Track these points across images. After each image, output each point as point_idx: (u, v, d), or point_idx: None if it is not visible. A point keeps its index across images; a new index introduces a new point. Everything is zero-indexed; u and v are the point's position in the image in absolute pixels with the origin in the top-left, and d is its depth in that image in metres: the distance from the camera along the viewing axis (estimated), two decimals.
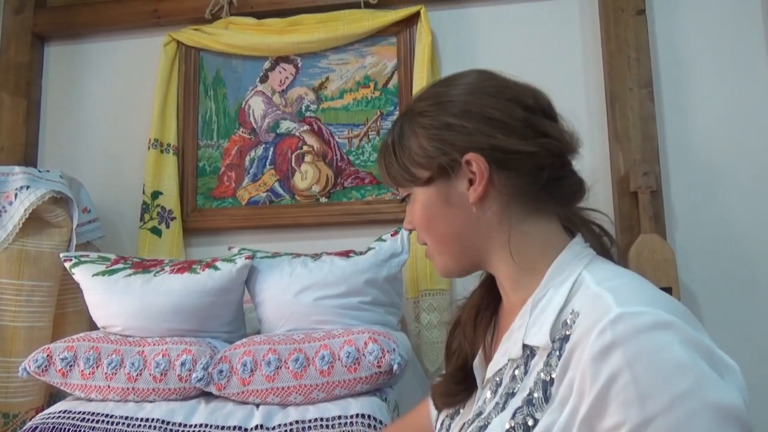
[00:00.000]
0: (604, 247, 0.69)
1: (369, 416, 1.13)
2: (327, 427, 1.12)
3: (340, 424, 1.12)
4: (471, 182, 0.66)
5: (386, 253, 1.40)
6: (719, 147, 1.66)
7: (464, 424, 0.68)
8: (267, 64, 1.87)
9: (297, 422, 1.14)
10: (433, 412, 0.82)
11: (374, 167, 1.78)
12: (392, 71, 1.81)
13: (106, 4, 1.96)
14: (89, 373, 1.26)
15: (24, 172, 1.49)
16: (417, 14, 1.77)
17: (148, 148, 1.82)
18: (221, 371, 1.23)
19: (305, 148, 1.82)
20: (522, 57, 1.78)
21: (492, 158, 0.65)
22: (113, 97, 1.97)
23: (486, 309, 0.76)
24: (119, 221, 1.88)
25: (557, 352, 0.58)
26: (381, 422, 1.13)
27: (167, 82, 1.86)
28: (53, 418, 1.21)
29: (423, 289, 1.63)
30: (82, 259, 1.42)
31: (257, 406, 1.22)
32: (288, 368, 1.20)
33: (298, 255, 1.47)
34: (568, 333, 0.57)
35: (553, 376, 0.57)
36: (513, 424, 0.58)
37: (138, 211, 1.81)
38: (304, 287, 1.35)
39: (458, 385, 0.73)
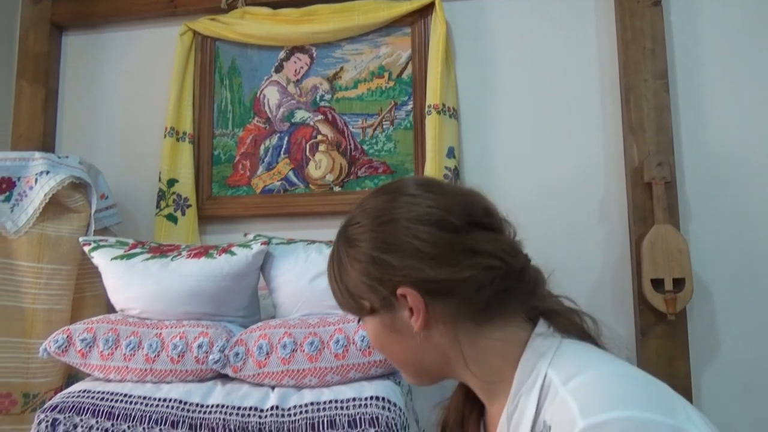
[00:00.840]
0: (568, 324, 0.66)
1: (383, 398, 1.14)
2: (342, 408, 1.13)
3: (354, 405, 1.13)
4: (411, 312, 0.64)
5: None
6: (734, 138, 1.66)
7: None
8: (282, 54, 1.88)
9: (312, 404, 1.16)
10: None
11: (388, 156, 1.79)
12: (406, 61, 1.81)
13: None
14: (108, 354, 1.28)
15: (44, 158, 1.51)
16: (432, 4, 1.78)
17: (165, 136, 1.84)
18: (237, 354, 1.25)
19: (319, 137, 1.83)
20: (536, 48, 1.78)
21: (425, 290, 0.63)
22: (130, 86, 1.99)
23: (470, 413, 0.75)
24: (135, 208, 1.90)
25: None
26: (395, 405, 1.14)
27: (183, 71, 1.88)
28: (73, 397, 1.23)
29: None
30: (101, 243, 1.45)
31: (272, 388, 1.24)
32: (303, 351, 1.22)
33: (313, 242, 1.48)
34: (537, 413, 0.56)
35: None
36: None
37: (154, 198, 1.84)
38: (319, 273, 1.36)
39: None
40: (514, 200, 1.71)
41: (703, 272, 1.61)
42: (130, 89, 1.99)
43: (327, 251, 1.42)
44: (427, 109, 1.72)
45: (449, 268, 0.62)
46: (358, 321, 0.74)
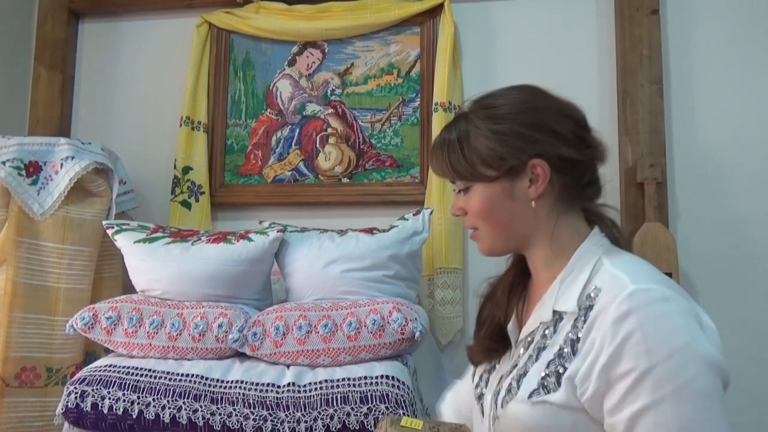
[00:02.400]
0: (614, 237, 0.85)
1: (393, 377, 1.23)
2: (354, 385, 1.23)
3: (366, 383, 1.23)
4: (531, 182, 0.81)
5: (408, 231, 1.50)
6: (723, 142, 1.76)
7: (501, 376, 0.85)
8: (295, 49, 1.95)
9: (326, 381, 1.25)
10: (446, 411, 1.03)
11: (395, 150, 1.87)
12: (415, 60, 1.89)
13: None
14: (132, 332, 1.37)
15: (69, 144, 1.58)
16: (441, 6, 1.85)
17: (180, 125, 1.91)
18: (255, 334, 1.34)
19: (329, 130, 1.91)
20: (540, 51, 1.87)
21: (553, 164, 0.80)
22: (145, 75, 2.05)
23: (518, 285, 0.92)
24: (150, 193, 1.98)
25: (582, 318, 0.75)
26: (403, 383, 1.24)
27: (199, 62, 1.94)
28: (100, 371, 1.32)
29: (438, 267, 1.73)
30: (124, 227, 1.52)
31: (288, 366, 1.32)
32: (318, 333, 1.31)
33: (326, 230, 1.57)
34: (591, 303, 0.75)
35: (579, 335, 0.74)
36: (547, 372, 0.76)
37: (168, 185, 1.91)
38: (331, 260, 1.45)
39: (496, 343, 0.90)
40: None
41: (689, 268, 1.71)
42: (146, 78, 2.05)
43: (339, 239, 1.50)
44: (434, 106, 1.81)
45: (575, 150, 0.80)
46: (459, 191, 0.87)
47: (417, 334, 1.29)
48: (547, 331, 0.79)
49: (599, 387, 0.69)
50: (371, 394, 1.21)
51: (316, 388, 1.24)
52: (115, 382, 1.29)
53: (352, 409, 1.21)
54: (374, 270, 1.43)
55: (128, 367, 1.32)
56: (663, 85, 1.75)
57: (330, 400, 1.21)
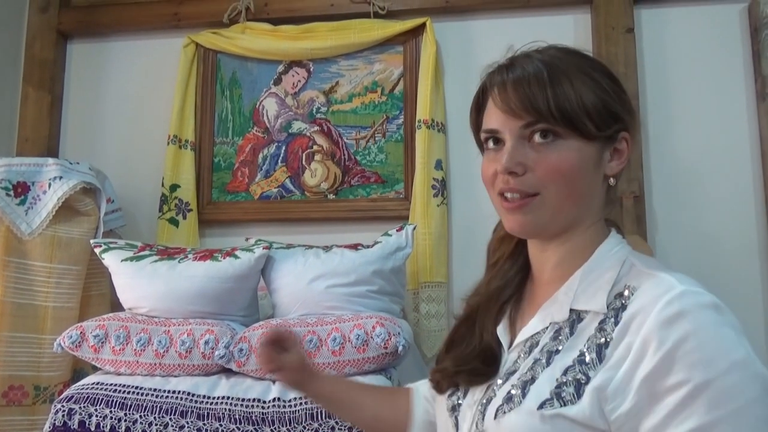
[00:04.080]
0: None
1: None
2: None
3: None
4: (612, 156, 0.71)
5: (392, 246, 1.53)
6: (698, 157, 1.81)
7: (489, 384, 0.73)
8: (281, 68, 1.99)
9: None
10: (419, 398, 0.93)
11: (380, 167, 1.90)
12: (398, 78, 1.94)
13: (128, 5, 2.08)
14: (120, 349, 1.38)
15: (57, 164, 1.60)
16: (423, 25, 1.90)
17: (168, 143, 1.93)
18: (241, 350, 1.36)
19: (315, 147, 1.95)
20: None
21: (631, 143, 0.72)
22: (133, 94, 2.08)
23: (516, 285, 0.82)
24: (137, 211, 2.00)
25: (612, 319, 0.64)
26: None
27: (186, 81, 1.98)
28: (87, 389, 1.33)
29: (423, 282, 1.76)
30: (111, 245, 1.54)
31: (273, 381, 1.34)
32: (303, 348, 1.33)
33: (311, 247, 1.60)
34: (624, 304, 0.64)
35: (609, 339, 0.63)
36: (564, 380, 0.64)
37: (156, 203, 1.93)
38: (316, 276, 1.47)
39: (487, 366, 0.75)
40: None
41: None
42: (134, 97, 2.08)
43: (324, 255, 1.53)
44: (417, 123, 1.85)
45: (636, 134, 0.73)
46: (546, 136, 0.69)
47: (400, 348, 1.31)
48: (560, 333, 0.68)
49: (639, 401, 0.58)
50: None
51: (301, 403, 1.26)
52: (102, 399, 1.30)
53: (336, 423, 1.23)
54: (359, 285, 1.46)
55: (115, 385, 1.34)
56: (639, 100, 1.80)
57: (315, 414, 1.23)
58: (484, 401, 0.70)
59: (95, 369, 1.45)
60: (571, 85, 0.68)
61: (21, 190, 1.57)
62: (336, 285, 1.46)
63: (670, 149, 1.82)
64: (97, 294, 1.72)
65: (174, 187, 1.92)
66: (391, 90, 1.94)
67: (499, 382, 0.70)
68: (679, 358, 0.57)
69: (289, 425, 1.23)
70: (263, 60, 1.99)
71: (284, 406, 1.26)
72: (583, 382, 0.62)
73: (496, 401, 0.68)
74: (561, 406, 0.62)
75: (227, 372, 1.40)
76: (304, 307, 1.48)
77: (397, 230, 1.58)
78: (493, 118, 0.73)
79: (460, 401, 0.76)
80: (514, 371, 0.70)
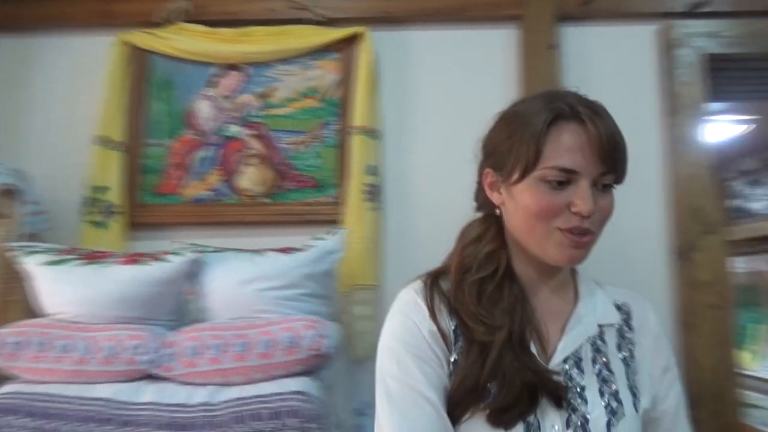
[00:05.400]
0: None
1: (304, 393, 1.28)
2: (265, 402, 1.26)
3: (277, 399, 1.27)
4: None
5: (324, 250, 1.55)
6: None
7: (569, 405, 0.81)
8: (216, 71, 1.98)
9: (237, 399, 1.28)
10: None
11: (315, 171, 1.92)
12: (335, 84, 1.96)
13: (57, 1, 2.01)
14: (40, 357, 1.34)
15: None
16: (360, 34, 1.94)
17: (95, 144, 1.88)
18: (169, 354, 1.35)
19: (250, 151, 1.95)
20: (452, 79, 1.99)
21: None
22: (60, 93, 2.01)
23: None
24: (63, 214, 1.92)
25: (626, 327, 0.91)
26: (315, 398, 1.28)
27: (116, 81, 1.93)
28: (6, 398, 1.28)
29: (354, 285, 1.79)
30: (32, 249, 1.49)
31: (201, 385, 1.34)
32: (231, 351, 1.33)
33: (243, 250, 1.60)
34: (627, 315, 0.92)
35: (633, 344, 0.89)
36: (629, 383, 0.86)
37: (82, 205, 1.87)
38: (248, 279, 1.48)
39: (548, 388, 0.81)
40: (430, 215, 1.90)
41: None
42: (61, 96, 2.01)
43: (256, 259, 1.53)
44: (351, 129, 1.88)
45: None
46: (602, 187, 0.86)
47: (329, 350, 1.34)
48: (598, 345, 0.87)
49: (657, 383, 0.87)
50: (282, 410, 1.25)
51: (227, 407, 1.27)
52: (22, 409, 1.26)
53: (266, 425, 1.24)
54: (290, 288, 1.47)
55: (35, 393, 1.30)
56: None
57: (241, 417, 1.24)
58: (578, 422, 0.80)
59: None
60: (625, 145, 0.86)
61: None
62: (267, 288, 1.47)
63: None
64: (15, 299, 1.65)
65: (101, 189, 1.87)
66: (327, 96, 1.96)
67: (579, 399, 0.81)
68: (667, 349, 0.90)
69: (216, 430, 1.23)
70: (198, 62, 1.97)
71: (210, 411, 1.26)
72: (634, 382, 0.85)
73: (598, 415, 0.80)
74: (638, 404, 0.85)
75: (153, 378, 1.38)
76: (235, 311, 1.48)
77: (329, 234, 1.61)
78: (576, 157, 0.81)
79: (541, 423, 0.80)
80: (583, 386, 0.83)
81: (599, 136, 0.81)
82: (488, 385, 0.79)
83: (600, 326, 0.88)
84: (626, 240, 1.87)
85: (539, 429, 0.79)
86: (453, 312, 0.86)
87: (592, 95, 1.93)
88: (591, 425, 0.79)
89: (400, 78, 2.00)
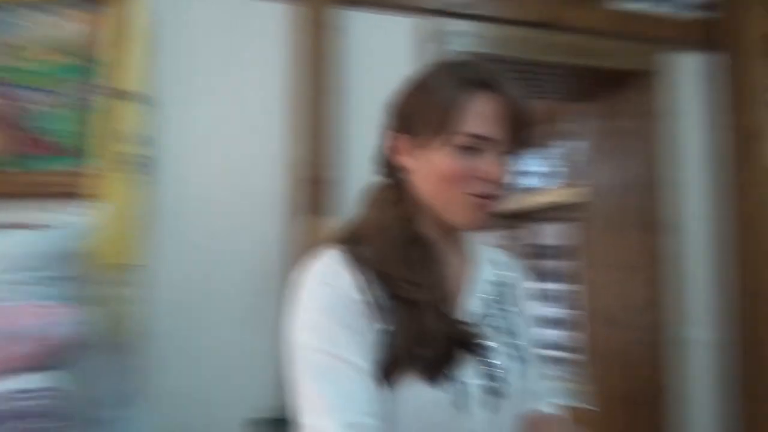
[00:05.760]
0: None
1: (52, 388, 1.15)
2: (9, 400, 1.10)
3: (24, 397, 1.12)
4: None
5: (70, 226, 1.40)
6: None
7: (487, 359, 0.88)
8: None
9: None
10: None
11: (66, 137, 1.70)
12: (98, 41, 1.74)
13: None
14: None
15: None
16: None
17: None
18: None
19: None
20: (233, 51, 1.92)
21: None
22: None
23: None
24: None
25: (510, 282, 1.00)
26: (64, 392, 1.16)
27: None
28: None
29: (117, 264, 1.64)
30: None
31: None
32: None
33: None
34: (511, 272, 1.02)
35: (518, 300, 0.99)
36: (523, 334, 0.95)
37: None
38: None
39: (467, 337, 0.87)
40: (207, 190, 1.84)
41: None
42: None
43: None
44: (116, 93, 1.69)
45: None
46: (506, 154, 0.88)
47: (71, 338, 1.22)
48: (498, 302, 0.94)
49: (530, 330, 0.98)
50: (28, 409, 1.11)
51: None
52: None
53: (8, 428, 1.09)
54: (25, 271, 1.29)
55: None
56: (333, 91, 1.96)
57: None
58: (496, 374, 0.86)
59: None
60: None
61: None
62: None
63: (362, 136, 2.02)
64: None
65: None
66: (88, 54, 1.73)
67: (493, 354, 0.88)
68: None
69: None
70: None
71: None
72: (526, 331, 0.97)
73: (510, 367, 0.89)
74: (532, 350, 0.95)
75: None
76: None
77: (79, 208, 1.44)
78: (488, 125, 0.84)
79: (463, 380, 0.83)
80: (494, 342, 0.89)
81: (512, 105, 0.84)
82: (418, 346, 0.80)
83: (496, 284, 0.95)
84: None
85: (464, 384, 0.83)
86: (377, 278, 0.83)
87: (357, 78, 2.05)
88: (507, 376, 0.87)
89: (179, 44, 1.87)
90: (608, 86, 2.57)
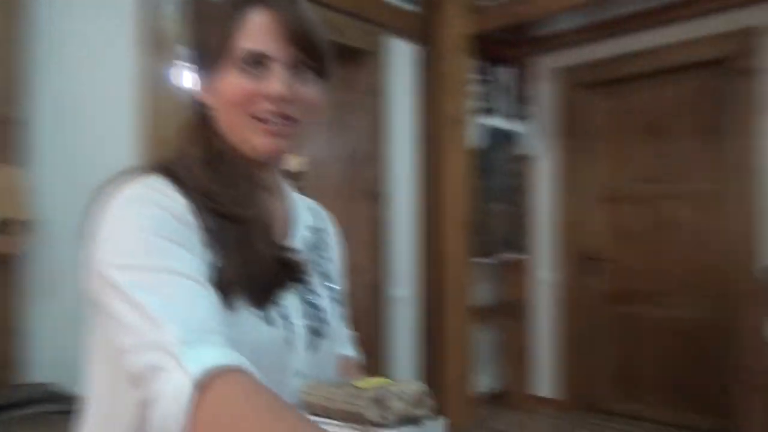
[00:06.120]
0: None
1: None
2: None
3: None
4: None
5: None
6: (84, 87, 1.81)
7: (305, 292, 0.85)
8: None
9: None
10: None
11: None
12: None
13: None
14: None
15: None
16: None
17: None
18: None
19: None
20: None
21: None
22: None
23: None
24: None
25: (324, 230, 0.96)
26: None
27: None
28: None
29: None
30: None
31: None
32: None
33: None
34: (321, 219, 0.98)
35: (330, 246, 0.96)
36: (335, 278, 0.94)
37: None
38: None
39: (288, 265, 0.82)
40: None
41: (50, 214, 1.69)
42: None
43: None
44: None
45: None
46: (309, 72, 0.82)
47: None
48: (314, 243, 0.91)
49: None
50: None
51: None
52: None
53: None
54: None
55: None
56: (27, 28, 1.63)
57: None
58: (312, 310, 0.84)
59: None
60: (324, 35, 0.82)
61: None
62: None
63: (58, 77, 1.75)
64: None
65: None
66: None
67: (311, 288, 0.86)
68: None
69: None
70: None
71: None
72: (336, 270, 0.96)
73: (326, 304, 0.87)
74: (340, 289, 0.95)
75: None
76: None
77: None
78: (264, 40, 0.78)
79: (281, 307, 0.80)
80: (312, 281, 0.87)
81: (288, 18, 0.79)
82: (247, 266, 0.77)
83: (314, 230, 0.92)
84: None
85: (293, 324, 0.81)
86: (202, 202, 0.77)
87: (71, 18, 1.74)
88: (327, 317, 0.86)
89: None
90: (337, 61, 2.68)
